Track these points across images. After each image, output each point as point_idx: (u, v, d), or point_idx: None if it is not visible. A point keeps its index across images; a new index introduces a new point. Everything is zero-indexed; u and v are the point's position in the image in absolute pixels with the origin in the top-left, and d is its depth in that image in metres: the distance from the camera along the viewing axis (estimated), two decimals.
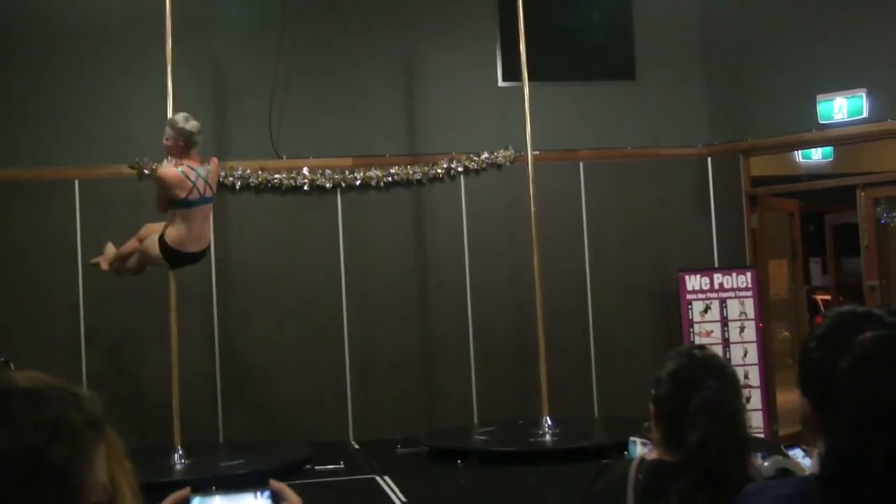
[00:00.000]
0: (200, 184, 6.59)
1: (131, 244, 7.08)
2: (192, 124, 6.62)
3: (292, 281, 8.32)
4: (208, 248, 7.03)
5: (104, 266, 7.23)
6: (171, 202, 6.61)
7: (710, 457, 2.26)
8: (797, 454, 3.17)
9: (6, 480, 1.23)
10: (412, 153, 8.59)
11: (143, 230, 7.03)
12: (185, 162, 6.59)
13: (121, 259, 7.16)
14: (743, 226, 8.75)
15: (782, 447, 3.56)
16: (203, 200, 6.66)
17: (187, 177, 6.53)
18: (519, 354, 8.37)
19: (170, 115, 7.00)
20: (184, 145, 6.58)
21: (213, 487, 1.82)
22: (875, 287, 8.17)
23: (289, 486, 1.77)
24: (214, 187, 6.82)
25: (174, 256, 6.77)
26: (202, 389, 8.02)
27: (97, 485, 1.33)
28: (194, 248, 6.77)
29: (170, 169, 6.57)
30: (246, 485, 1.76)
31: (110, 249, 7.23)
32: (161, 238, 6.73)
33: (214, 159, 6.86)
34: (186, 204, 6.57)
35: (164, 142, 6.66)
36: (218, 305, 8.23)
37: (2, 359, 6.42)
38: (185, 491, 1.73)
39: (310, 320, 8.34)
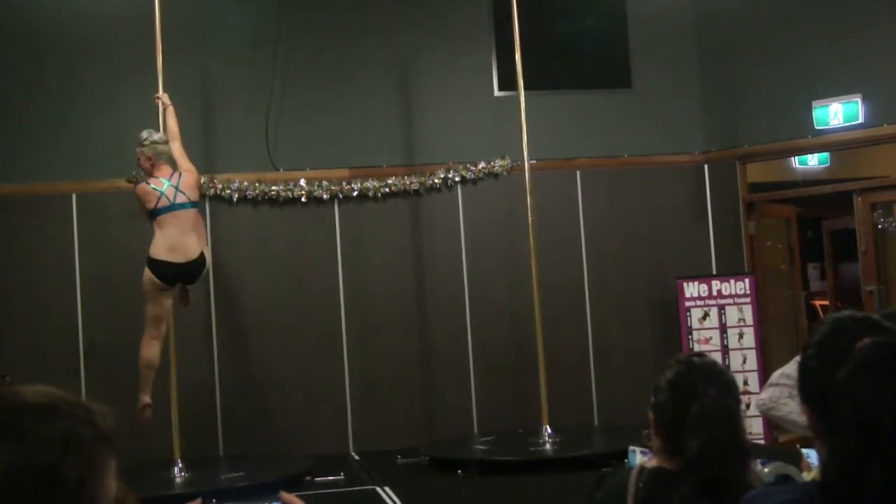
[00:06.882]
0: (170, 192, 6.86)
1: (146, 362, 7.01)
2: (141, 134, 6.98)
3: (290, 292, 8.32)
4: (202, 262, 6.97)
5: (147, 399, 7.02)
6: (149, 214, 6.91)
7: (709, 464, 2.26)
8: (811, 455, 3.16)
9: (20, 497, 1.22)
10: (409, 163, 8.59)
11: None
12: (157, 175, 6.94)
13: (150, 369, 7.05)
14: (740, 232, 8.76)
15: (798, 446, 3.57)
16: (174, 207, 6.84)
17: (155, 188, 6.86)
18: (518, 363, 8.35)
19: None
20: (150, 158, 6.94)
21: (214, 501, 1.83)
22: (873, 292, 8.17)
23: None
24: (190, 193, 6.95)
25: (161, 271, 6.79)
26: (202, 402, 8.01)
27: (109, 500, 1.32)
28: (177, 257, 6.81)
29: (139, 185, 7.04)
30: (254, 497, 1.76)
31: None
32: (147, 259, 6.84)
33: (188, 168, 7.08)
34: (157, 213, 6.86)
35: (138, 163, 7.07)
36: (216, 317, 8.22)
37: None
38: (197, 502, 1.74)
39: (308, 331, 8.33)
